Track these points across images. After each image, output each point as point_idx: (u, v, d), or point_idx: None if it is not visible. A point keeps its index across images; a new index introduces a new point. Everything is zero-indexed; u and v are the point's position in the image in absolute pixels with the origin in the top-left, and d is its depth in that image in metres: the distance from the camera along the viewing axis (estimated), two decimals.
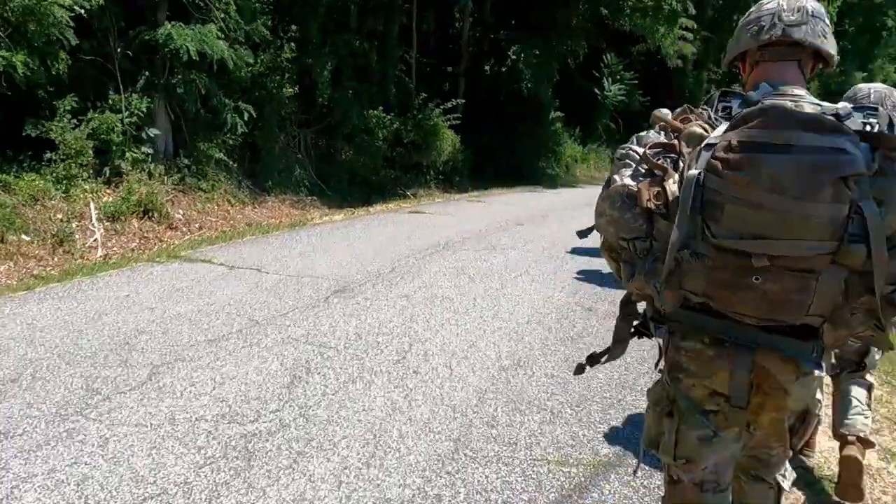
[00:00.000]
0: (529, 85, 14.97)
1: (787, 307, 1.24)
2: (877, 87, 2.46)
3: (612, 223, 1.40)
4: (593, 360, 1.65)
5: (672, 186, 1.30)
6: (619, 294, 1.64)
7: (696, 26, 17.37)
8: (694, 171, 1.24)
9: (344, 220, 8.74)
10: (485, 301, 4.90)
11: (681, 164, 1.32)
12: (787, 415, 1.45)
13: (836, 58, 1.44)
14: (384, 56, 12.64)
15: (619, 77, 20.51)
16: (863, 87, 2.49)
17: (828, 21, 1.41)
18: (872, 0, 30.60)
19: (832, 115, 1.24)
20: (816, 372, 1.37)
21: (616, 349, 1.60)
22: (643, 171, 1.38)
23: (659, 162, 1.34)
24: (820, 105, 1.32)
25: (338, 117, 11.75)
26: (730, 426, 1.42)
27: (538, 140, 16.92)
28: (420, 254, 6.44)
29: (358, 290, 5.01)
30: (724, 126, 1.30)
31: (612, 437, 2.90)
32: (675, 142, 1.35)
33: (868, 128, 1.25)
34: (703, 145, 1.28)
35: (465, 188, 14.92)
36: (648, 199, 1.30)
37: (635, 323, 1.60)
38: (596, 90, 20.44)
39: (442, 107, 14.32)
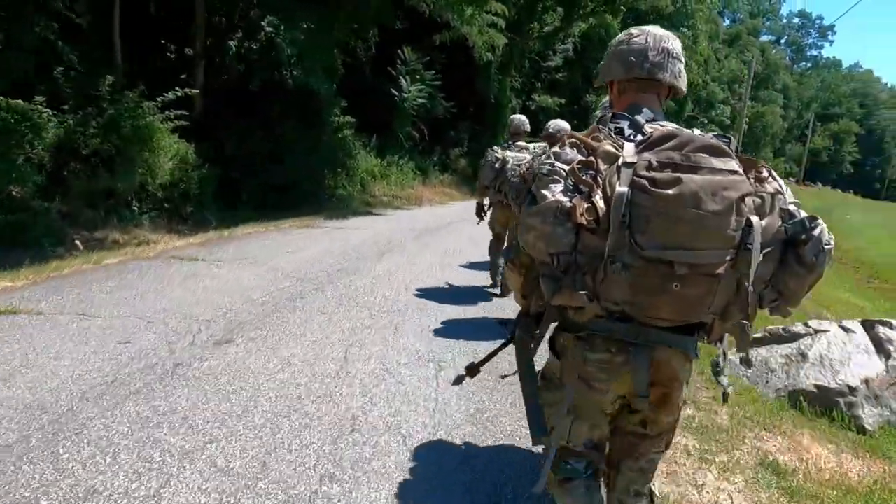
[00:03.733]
0: (297, 73, 9.96)
1: (697, 308, 1.32)
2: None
3: (542, 238, 1.33)
4: (472, 370, 1.75)
5: (600, 202, 1.28)
6: None
7: (507, 13, 13.74)
8: (623, 189, 1.26)
9: None
10: None
11: (599, 180, 1.32)
12: (676, 413, 1.55)
13: (684, 90, 1.55)
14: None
15: (419, 76, 16.38)
16: None
17: (683, 59, 1.54)
18: (645, 21, 30.79)
19: None
20: (693, 362, 1.48)
21: (522, 362, 1.55)
22: (571, 186, 1.35)
23: (587, 179, 1.33)
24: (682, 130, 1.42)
25: None
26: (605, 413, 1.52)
27: (319, 150, 11.96)
28: None
29: None
30: (631, 145, 1.34)
31: None
32: (592, 159, 1.36)
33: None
34: (620, 163, 1.30)
35: (206, 223, 9.46)
36: (581, 215, 1.28)
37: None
38: (393, 91, 16.09)
39: (159, 99, 8.75)
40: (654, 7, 25.95)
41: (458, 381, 1.78)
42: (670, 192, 1.22)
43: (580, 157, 1.36)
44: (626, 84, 1.53)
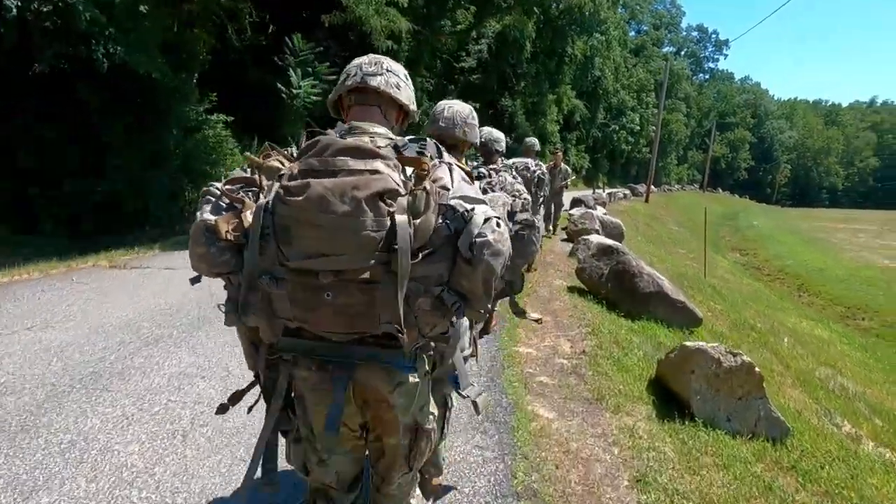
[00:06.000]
0: (113, 49, 7.06)
1: (360, 319, 1.23)
2: (453, 104, 2.03)
3: (202, 260, 1.25)
4: (235, 398, 1.55)
5: (249, 217, 1.23)
6: None
7: None
8: (263, 200, 1.22)
9: None
10: None
11: (262, 196, 1.27)
12: (402, 435, 1.43)
13: (414, 108, 1.50)
14: None
15: (311, 69, 13.70)
16: (441, 104, 2.06)
17: (403, 77, 1.48)
18: (556, 24, 29.61)
19: (392, 146, 1.29)
20: (412, 378, 1.35)
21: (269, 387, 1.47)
22: (224, 205, 1.28)
23: (238, 195, 1.27)
24: (392, 140, 1.35)
25: None
26: (342, 445, 1.44)
27: (166, 156, 9.05)
28: None
29: None
30: None
31: None
32: (256, 176, 1.29)
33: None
34: (276, 177, 1.26)
35: None
36: (227, 231, 1.22)
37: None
38: (280, 85, 13.32)
39: None
40: (567, 8, 24.53)
41: (222, 409, 1.48)
42: (300, 198, 1.17)
43: (241, 175, 1.31)
44: (348, 98, 1.47)
